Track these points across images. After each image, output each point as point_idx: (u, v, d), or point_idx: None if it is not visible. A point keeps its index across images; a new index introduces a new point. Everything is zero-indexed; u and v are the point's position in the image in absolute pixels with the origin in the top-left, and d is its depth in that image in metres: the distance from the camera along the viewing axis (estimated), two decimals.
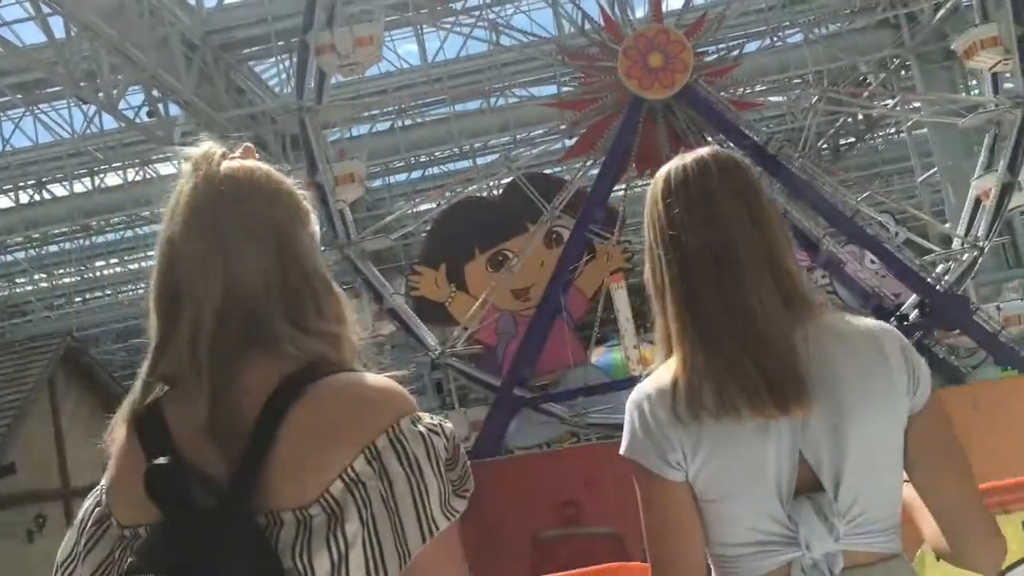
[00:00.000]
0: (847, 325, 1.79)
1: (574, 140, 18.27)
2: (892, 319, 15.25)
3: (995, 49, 15.75)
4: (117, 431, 1.45)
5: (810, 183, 16.18)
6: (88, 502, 1.50)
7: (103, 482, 1.48)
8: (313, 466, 1.32)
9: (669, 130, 16.48)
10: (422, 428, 1.38)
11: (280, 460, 1.32)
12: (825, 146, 26.09)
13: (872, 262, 16.76)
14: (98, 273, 33.22)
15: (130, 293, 34.36)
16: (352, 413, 1.36)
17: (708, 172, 1.81)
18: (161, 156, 27.61)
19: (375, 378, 1.43)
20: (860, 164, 28.59)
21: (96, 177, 28.21)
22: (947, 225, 19.67)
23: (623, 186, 17.98)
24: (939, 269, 17.27)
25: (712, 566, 1.80)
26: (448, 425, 1.42)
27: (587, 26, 17.10)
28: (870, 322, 1.81)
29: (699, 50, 16.31)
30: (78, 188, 28.40)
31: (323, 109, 17.48)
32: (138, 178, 28.26)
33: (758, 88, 19.47)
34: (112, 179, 28.45)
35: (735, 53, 18.25)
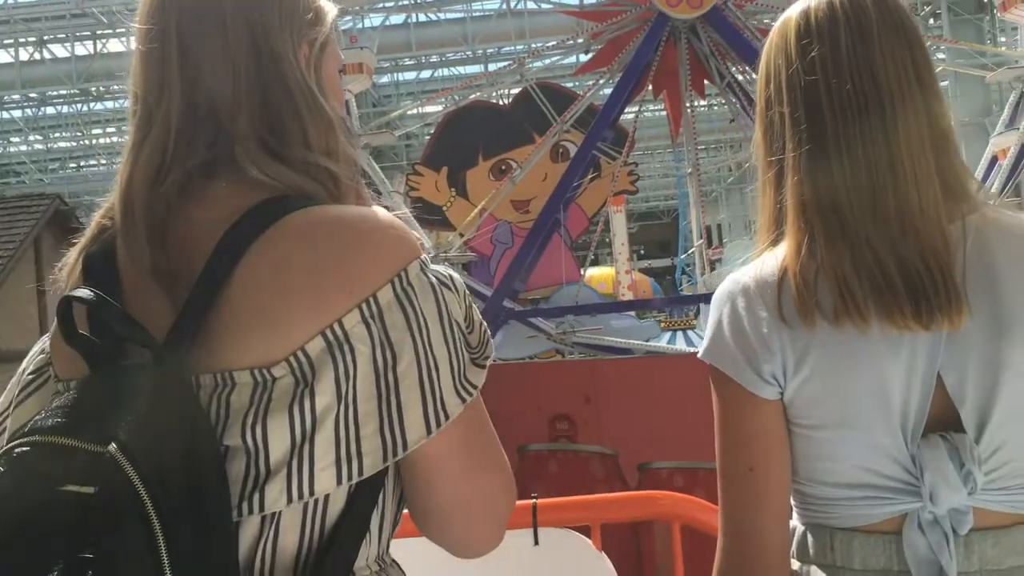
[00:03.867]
0: (1017, 221, 1.38)
1: (588, 56, 17.75)
2: None
3: None
4: (65, 271, 1.19)
5: None
6: (35, 348, 1.25)
7: (52, 326, 1.21)
8: (282, 316, 1.01)
9: (691, 54, 15.96)
10: (432, 278, 1.08)
11: (237, 307, 1.03)
12: None
13: None
14: (95, 141, 32.60)
15: None
16: (345, 252, 1.04)
17: (864, 7, 1.40)
18: None
19: (375, 210, 1.11)
20: None
21: (99, 41, 27.48)
22: None
23: (636, 107, 17.52)
24: None
25: (795, 506, 1.45)
26: (457, 276, 1.13)
27: None
28: None
29: None
30: (80, 51, 27.69)
31: None
32: None
33: None
34: (115, 45, 27.74)
35: None
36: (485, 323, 1.15)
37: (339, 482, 1.02)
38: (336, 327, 1.02)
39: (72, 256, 1.19)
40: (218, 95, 1.12)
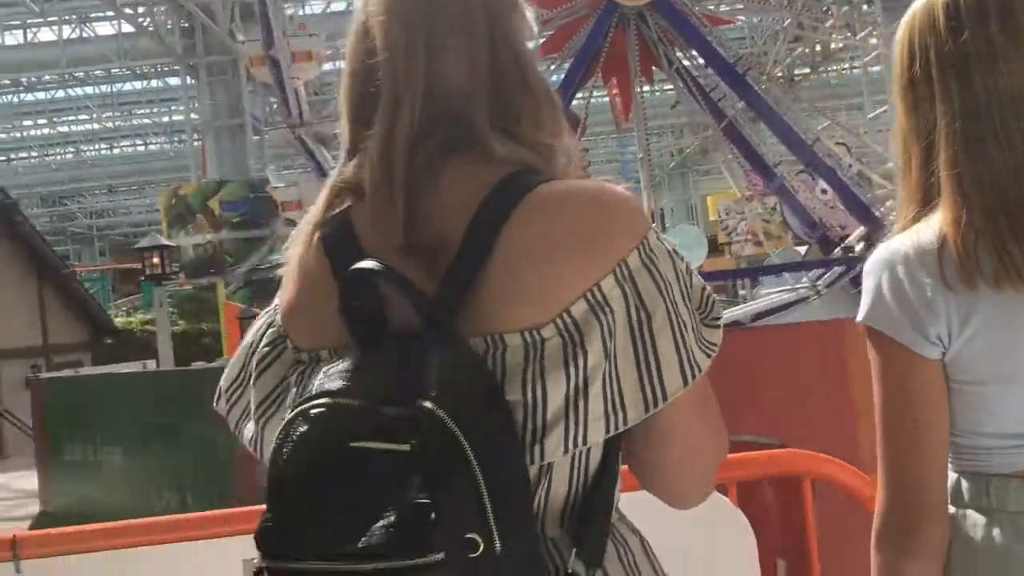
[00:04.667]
0: None
1: (540, 41, 17.87)
2: (838, 250, 15.58)
3: None
4: (295, 247, 1.24)
5: (773, 108, 16.15)
6: (259, 322, 1.29)
7: (276, 301, 1.27)
8: (548, 282, 1.08)
9: (640, 40, 16.16)
10: (667, 245, 1.17)
11: (503, 274, 1.09)
12: (780, 74, 26.09)
13: (823, 192, 16.93)
14: (25, 133, 31.69)
15: (58, 157, 32.97)
16: (595, 221, 1.12)
17: None
18: (99, 15, 26.24)
19: (609, 185, 1.19)
20: (810, 97, 28.71)
21: (29, 31, 26.73)
22: (891, 165, 19.95)
23: (586, 93, 17.68)
24: (888, 204, 17.55)
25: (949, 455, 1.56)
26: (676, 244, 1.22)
27: None
28: None
29: None
30: (9, 41, 26.89)
31: None
32: (74, 36, 26.95)
33: (725, 7, 19.23)
34: (46, 34, 27.02)
35: None
36: (708, 287, 1.22)
37: (607, 432, 1.09)
38: (596, 290, 1.09)
39: (304, 232, 1.23)
40: (457, 82, 1.19)
